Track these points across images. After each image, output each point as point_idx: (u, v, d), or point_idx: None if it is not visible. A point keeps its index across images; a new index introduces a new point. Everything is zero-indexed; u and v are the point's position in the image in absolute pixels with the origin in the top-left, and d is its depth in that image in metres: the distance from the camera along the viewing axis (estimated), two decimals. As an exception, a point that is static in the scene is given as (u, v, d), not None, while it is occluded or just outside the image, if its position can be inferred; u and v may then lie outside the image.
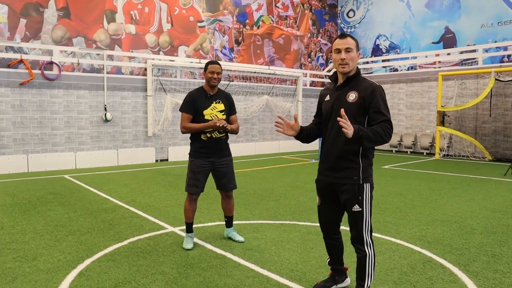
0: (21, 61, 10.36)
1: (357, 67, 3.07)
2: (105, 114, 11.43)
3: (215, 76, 4.40)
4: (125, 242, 4.63)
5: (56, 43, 10.90)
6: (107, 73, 11.59)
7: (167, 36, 12.80)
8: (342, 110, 2.76)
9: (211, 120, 4.40)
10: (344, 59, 2.95)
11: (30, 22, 10.58)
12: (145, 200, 6.92)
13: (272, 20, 15.44)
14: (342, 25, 17.71)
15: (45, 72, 10.65)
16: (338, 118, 2.72)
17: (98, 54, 11.47)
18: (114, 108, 11.69)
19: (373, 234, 4.88)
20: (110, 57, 11.68)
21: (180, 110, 4.50)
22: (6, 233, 5.06)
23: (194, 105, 4.43)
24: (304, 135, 3.31)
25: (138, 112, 12.11)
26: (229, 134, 4.60)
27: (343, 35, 3.01)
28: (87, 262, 4.05)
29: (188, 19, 13.27)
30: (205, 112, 4.42)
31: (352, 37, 3.01)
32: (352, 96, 2.96)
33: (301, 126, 3.27)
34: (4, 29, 10.23)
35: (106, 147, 11.60)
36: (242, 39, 14.61)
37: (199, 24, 13.49)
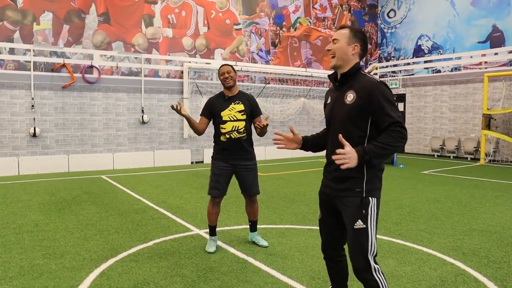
0: (63, 65, 10.76)
1: (358, 62, 2.60)
2: (142, 116, 11.68)
3: (227, 75, 4.39)
4: (150, 243, 4.66)
5: (96, 47, 11.24)
6: (145, 76, 11.84)
7: (204, 39, 12.92)
8: (340, 136, 2.34)
9: (229, 121, 4.37)
10: (329, 50, 2.60)
11: (73, 28, 10.96)
12: (176, 201, 6.96)
13: (310, 22, 15.27)
14: (382, 26, 17.29)
15: (86, 75, 11.00)
16: (334, 157, 2.31)
17: (136, 58, 11.73)
18: (151, 110, 11.92)
19: (403, 243, 4.69)
20: (148, 61, 11.92)
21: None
22: (40, 230, 5.22)
23: (211, 108, 4.46)
24: (309, 145, 2.96)
25: (175, 114, 12.28)
26: (252, 136, 4.53)
27: (340, 27, 2.66)
28: (111, 261, 4.09)
29: (225, 22, 13.34)
30: (222, 113, 4.40)
31: (351, 28, 2.60)
32: (350, 97, 2.52)
33: (304, 136, 2.96)
34: (49, 35, 10.65)
35: (143, 149, 11.84)
36: (278, 41, 14.54)
37: (235, 26, 13.54)
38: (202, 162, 12.71)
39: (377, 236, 4.95)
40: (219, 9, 13.21)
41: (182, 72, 12.36)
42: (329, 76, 2.77)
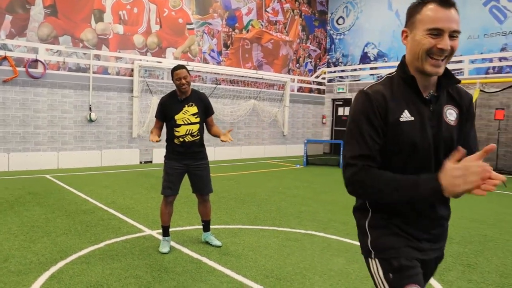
0: (5, 58, 10.23)
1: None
2: (90, 114, 11.33)
3: (183, 81, 4.34)
4: (101, 245, 4.58)
5: (42, 41, 10.78)
6: (93, 73, 11.49)
7: (155, 37, 12.74)
8: (461, 150, 1.46)
9: (182, 125, 4.38)
10: (447, 49, 1.63)
11: (16, 19, 10.45)
12: (126, 202, 6.85)
13: (262, 25, 15.46)
14: (331, 32, 17.81)
15: (30, 70, 10.52)
16: (486, 186, 1.39)
17: (84, 54, 11.37)
18: (99, 108, 11.58)
19: (351, 242, 4.91)
20: (97, 57, 11.59)
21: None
22: (-20, 232, 4.97)
23: (164, 110, 4.42)
24: None
25: (124, 113, 12.01)
26: (204, 137, 4.57)
27: (445, 1, 1.61)
28: (61, 264, 3.99)
29: (177, 21, 13.23)
30: (176, 117, 4.39)
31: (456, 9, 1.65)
32: (452, 115, 1.72)
33: None
34: (-11, 25, 10.09)
35: (90, 148, 11.48)
36: (230, 42, 14.61)
37: (188, 26, 13.46)
38: (151, 162, 12.52)
39: (327, 235, 5.17)
40: (172, 7, 13.07)
41: (132, 70, 12.10)
42: (391, 77, 1.81)
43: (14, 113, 10.38)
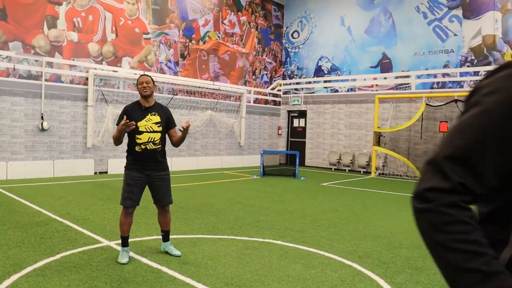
0: (-50, 63, 9.78)
1: None
2: (42, 123, 10.98)
3: (145, 85, 4.47)
4: (57, 257, 4.49)
5: (-10, 46, 10.40)
6: (46, 80, 11.18)
7: (111, 46, 12.59)
8: None
9: (145, 132, 4.43)
10: None
11: (-37, 24, 10.03)
12: (81, 213, 6.72)
13: (219, 37, 15.62)
14: (286, 45, 18.24)
15: (-23, 76, 10.11)
16: None
17: (36, 61, 11.05)
18: (52, 117, 11.26)
19: (307, 249, 5.08)
20: (50, 64, 11.29)
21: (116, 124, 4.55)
22: None
23: (127, 118, 4.44)
24: None
25: (78, 122, 11.74)
26: (165, 147, 4.64)
27: None
28: (14, 277, 3.88)
29: (134, 30, 13.14)
30: (139, 124, 4.44)
31: None
32: None
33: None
34: None
35: (42, 158, 11.11)
36: (187, 53, 14.65)
37: (144, 36, 13.39)
38: (106, 172, 12.26)
39: (284, 243, 5.31)
40: (128, 16, 12.98)
41: (87, 78, 11.88)
42: None
43: (-41, 121, 9.91)
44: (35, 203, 7.40)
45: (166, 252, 4.72)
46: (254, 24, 17.01)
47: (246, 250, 4.98)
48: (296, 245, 5.26)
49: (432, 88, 14.11)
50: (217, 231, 5.87)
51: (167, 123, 4.64)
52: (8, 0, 10.60)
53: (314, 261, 4.67)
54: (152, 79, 4.57)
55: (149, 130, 4.45)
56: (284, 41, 18.34)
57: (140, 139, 4.43)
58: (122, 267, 4.24)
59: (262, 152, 13.56)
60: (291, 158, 17.44)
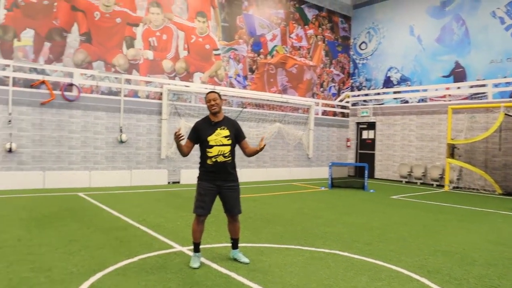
0: (43, 82, 10.83)
1: None
2: (121, 135, 11.81)
3: (213, 103, 4.67)
4: (135, 259, 4.84)
5: (77, 66, 11.38)
6: (124, 96, 12.03)
7: (183, 62, 13.25)
8: None
9: (215, 146, 4.64)
10: None
11: (54, 46, 11.10)
12: (156, 220, 7.14)
13: (286, 50, 15.87)
14: (354, 57, 18.09)
15: (65, 93, 11.10)
16: None
17: (116, 78, 11.93)
18: (130, 130, 12.07)
19: (374, 261, 5.04)
20: (128, 81, 12.13)
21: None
22: (24, 245, 5.31)
23: (198, 133, 4.70)
24: None
25: (153, 134, 12.47)
26: (235, 159, 4.82)
27: None
28: (99, 275, 4.25)
29: (204, 47, 13.74)
30: (209, 138, 4.66)
31: None
32: None
33: None
34: (29, 52, 10.75)
35: (120, 168, 11.92)
36: (256, 67, 15.03)
37: (214, 52, 13.95)
38: (179, 182, 12.86)
39: (350, 255, 5.30)
40: (199, 34, 13.61)
41: (161, 93, 12.61)
42: None
43: (50, 134, 10.92)
44: (115, 209, 7.96)
45: (235, 259, 4.90)
46: (321, 36, 17.08)
47: (312, 260, 5.04)
48: (362, 257, 5.23)
49: (511, 97, 13.32)
50: (284, 241, 5.98)
51: (236, 136, 4.83)
52: (92, 25, 11.57)
53: (381, 274, 4.63)
54: (219, 95, 4.78)
55: (218, 144, 4.67)
56: (351, 52, 18.22)
57: (211, 152, 4.66)
58: (194, 271, 4.48)
59: (330, 164, 13.49)
60: (360, 170, 17.16)
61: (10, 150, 10.34)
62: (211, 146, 4.65)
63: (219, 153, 4.65)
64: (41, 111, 10.83)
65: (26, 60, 10.71)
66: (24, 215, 7.16)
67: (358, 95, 17.89)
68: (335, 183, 13.63)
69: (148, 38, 12.60)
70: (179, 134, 4.43)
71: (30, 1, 10.75)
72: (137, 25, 12.38)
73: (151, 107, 12.49)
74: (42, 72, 10.89)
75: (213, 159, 4.66)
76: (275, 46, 15.58)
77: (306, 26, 16.54)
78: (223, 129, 4.73)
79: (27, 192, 9.95)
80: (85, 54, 11.54)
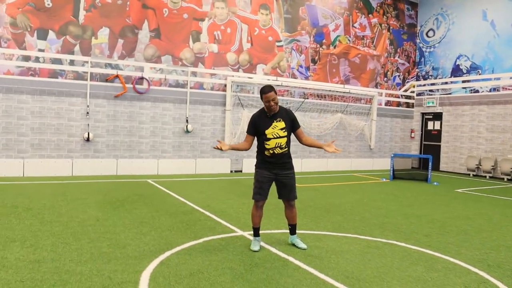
0: (117, 76, 11.61)
1: None
2: (187, 125, 12.41)
3: (272, 103, 4.78)
4: (200, 240, 5.21)
5: (147, 60, 12.07)
6: (190, 88, 12.59)
7: (247, 54, 13.58)
8: None
9: (272, 138, 4.85)
10: None
11: (126, 42, 11.84)
12: (219, 206, 7.53)
13: (349, 40, 15.71)
14: (421, 45, 17.50)
15: (136, 86, 11.83)
16: None
17: (183, 71, 12.50)
18: (195, 121, 12.64)
19: (432, 253, 5.05)
20: (194, 74, 12.67)
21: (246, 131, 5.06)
22: (101, 224, 5.88)
23: (256, 127, 4.91)
24: None
25: (217, 125, 12.96)
26: (290, 149, 5.02)
27: None
28: (167, 253, 4.66)
29: (267, 39, 13.97)
30: (267, 131, 4.87)
31: None
32: None
33: None
34: (105, 48, 11.55)
35: (186, 156, 12.54)
36: (318, 58, 15.04)
37: (277, 43, 14.15)
38: (241, 171, 13.29)
39: (408, 245, 5.35)
40: (262, 26, 13.86)
41: (225, 85, 13.05)
42: None
43: (123, 124, 11.71)
44: (181, 195, 8.47)
45: (293, 244, 5.13)
46: (386, 25, 16.70)
47: (369, 249, 5.15)
48: (420, 248, 5.26)
49: None
50: (341, 230, 6.12)
51: (292, 125, 5.03)
52: (161, 21, 12.19)
53: (438, 265, 4.65)
54: (275, 91, 4.82)
55: (275, 136, 4.88)
56: (418, 40, 17.63)
57: (269, 144, 4.89)
58: (254, 254, 4.77)
59: (392, 155, 13.29)
60: (424, 162, 16.68)
61: (87, 139, 11.24)
62: (269, 139, 4.87)
63: (276, 145, 4.87)
64: (115, 103, 11.63)
65: (102, 56, 11.53)
66: (100, 199, 7.84)
67: (424, 85, 17.32)
68: (397, 175, 13.40)
69: (213, 32, 13.04)
70: (219, 148, 4.70)
71: (106, 1, 11.54)
72: (202, 20, 12.86)
73: (216, 99, 12.97)
74: (116, 67, 11.67)
75: (271, 151, 4.89)
76: (338, 36, 15.48)
77: (370, 15, 16.25)
78: (279, 121, 4.92)
79: (102, 178, 10.80)
80: (154, 49, 12.19)
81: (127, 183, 10.08)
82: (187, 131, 12.47)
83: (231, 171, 13.16)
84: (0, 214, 6.33)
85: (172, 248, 4.85)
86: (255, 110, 12.83)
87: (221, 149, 4.71)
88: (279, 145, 4.88)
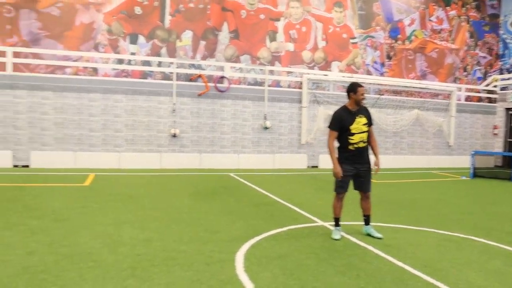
0: (199, 76, 12.46)
1: None
2: (265, 122, 13.01)
3: (364, 97, 5.24)
4: (285, 229, 5.71)
5: (227, 60, 12.81)
6: (268, 86, 13.16)
7: (322, 52, 13.88)
8: None
9: (356, 133, 5.20)
10: None
11: (208, 44, 12.65)
12: (299, 199, 7.99)
13: (425, 34, 15.43)
14: (504, 36, 16.70)
15: (218, 85, 12.61)
16: None
17: (261, 70, 13.10)
18: (273, 117, 13.21)
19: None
20: (271, 72, 13.22)
21: (328, 127, 5.37)
22: (194, 212, 6.58)
23: (341, 123, 5.25)
24: None
25: (294, 121, 13.44)
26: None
27: None
28: (256, 238, 5.19)
29: (341, 36, 14.17)
30: (351, 127, 5.21)
31: None
32: None
33: None
34: (189, 50, 12.45)
35: (264, 151, 13.16)
36: (393, 53, 14.96)
37: (351, 40, 14.29)
38: (317, 166, 13.67)
39: (487, 241, 5.46)
40: (336, 24, 14.08)
41: (301, 83, 13.47)
42: None
43: (205, 121, 12.56)
44: (262, 188, 9.05)
45: (368, 234, 5.46)
46: (465, 17, 16.15)
47: (446, 242, 5.35)
48: (500, 245, 5.34)
49: None
50: (418, 224, 6.32)
51: (370, 122, 5.37)
52: (239, 22, 12.87)
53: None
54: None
55: (359, 131, 5.23)
56: (501, 31, 16.83)
57: (353, 139, 5.24)
58: (335, 242, 5.17)
59: (473, 152, 12.96)
60: (509, 160, 15.96)
61: (174, 135, 12.20)
62: (353, 134, 5.23)
63: (360, 140, 5.22)
64: (198, 101, 12.50)
65: (186, 58, 12.43)
66: (190, 190, 8.62)
67: (509, 79, 16.52)
68: (478, 173, 13.04)
69: (289, 31, 13.50)
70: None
71: (188, 6, 12.42)
72: (278, 20, 13.36)
73: (292, 96, 13.44)
74: (199, 67, 12.52)
75: (355, 145, 5.24)
76: (413, 30, 15.27)
77: (447, 7, 15.81)
78: (361, 117, 5.28)
79: (187, 170, 11.70)
80: (233, 50, 12.90)
81: (211, 176, 10.86)
82: (266, 128, 13.07)
83: (308, 166, 13.58)
84: (108, 200, 7.27)
85: (259, 234, 5.38)
86: (331, 107, 13.15)
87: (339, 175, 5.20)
88: (362, 140, 5.23)
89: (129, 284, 3.69)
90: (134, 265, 4.14)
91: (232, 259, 4.43)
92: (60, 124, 11.57)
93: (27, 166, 11.32)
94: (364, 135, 5.25)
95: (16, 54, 11.22)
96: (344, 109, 5.39)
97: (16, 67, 11.25)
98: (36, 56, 11.37)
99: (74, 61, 11.63)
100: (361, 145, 5.25)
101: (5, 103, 11.20)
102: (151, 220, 6.00)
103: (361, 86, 5.28)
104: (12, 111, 11.26)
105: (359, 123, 5.24)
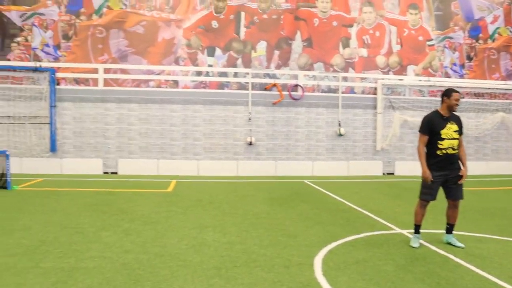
0: (274, 85, 12.76)
1: None
2: (339, 129, 13.00)
3: (458, 103, 5.19)
4: (362, 235, 5.75)
5: (300, 68, 13.00)
6: (342, 92, 13.15)
7: (396, 56, 13.61)
8: None
9: (446, 139, 5.12)
10: None
11: (282, 53, 12.93)
12: (375, 206, 7.94)
13: (511, 31, 14.53)
14: None
15: (292, 93, 12.83)
16: None
17: (334, 77, 13.13)
18: (347, 124, 13.16)
19: None
20: (345, 79, 13.20)
21: (419, 131, 5.34)
22: (272, 217, 6.81)
23: (431, 127, 5.19)
24: None
25: (368, 128, 13.28)
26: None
27: None
28: (333, 244, 5.30)
29: (417, 39, 13.78)
30: (442, 132, 5.14)
31: None
32: None
33: None
34: (263, 60, 12.81)
35: (339, 159, 13.13)
36: (474, 54, 14.27)
37: (428, 42, 13.86)
38: (393, 173, 13.37)
39: None
40: (411, 26, 13.73)
41: (375, 88, 13.29)
42: None
43: (280, 129, 12.82)
44: (337, 195, 9.09)
45: (449, 243, 5.34)
46: (558, 12, 14.98)
47: (536, 252, 5.09)
48: None
49: None
50: (504, 233, 6.04)
51: (461, 131, 5.27)
52: (312, 31, 13.03)
53: None
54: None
55: (449, 137, 5.15)
56: None
57: (442, 145, 5.16)
58: (414, 250, 5.13)
59: None
60: None
61: (250, 143, 12.59)
62: (443, 139, 5.15)
63: (449, 146, 5.14)
64: (273, 110, 12.80)
65: (261, 68, 12.80)
66: (266, 196, 8.88)
67: None
68: None
69: (362, 36, 13.41)
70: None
71: (262, 17, 12.80)
72: (351, 26, 13.33)
73: (366, 102, 13.30)
74: (273, 76, 12.84)
75: (444, 151, 5.16)
76: (497, 28, 14.45)
77: (537, 3, 14.78)
78: (453, 124, 5.21)
79: (263, 178, 12.00)
80: (307, 58, 13.07)
81: (286, 183, 11.07)
82: (340, 134, 13.05)
83: (383, 174, 13.33)
84: (190, 206, 7.73)
85: (336, 240, 5.48)
86: (407, 112, 12.94)
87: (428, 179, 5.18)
88: (451, 146, 5.14)
89: (215, 282, 3.98)
90: (218, 266, 4.44)
91: (311, 263, 4.58)
92: (144, 134, 12.43)
93: (115, 173, 12.27)
94: (455, 142, 5.16)
95: (107, 70, 12.27)
96: (435, 113, 5.35)
97: (106, 82, 12.29)
98: (123, 71, 12.34)
99: (157, 74, 12.45)
100: (450, 151, 5.15)
101: (97, 115, 12.26)
102: (231, 224, 6.31)
103: (456, 91, 5.23)
104: (103, 122, 12.29)
105: (450, 129, 5.17)
